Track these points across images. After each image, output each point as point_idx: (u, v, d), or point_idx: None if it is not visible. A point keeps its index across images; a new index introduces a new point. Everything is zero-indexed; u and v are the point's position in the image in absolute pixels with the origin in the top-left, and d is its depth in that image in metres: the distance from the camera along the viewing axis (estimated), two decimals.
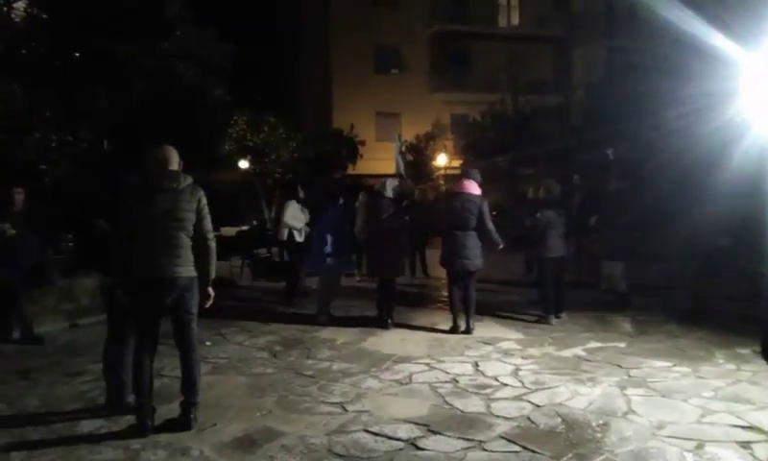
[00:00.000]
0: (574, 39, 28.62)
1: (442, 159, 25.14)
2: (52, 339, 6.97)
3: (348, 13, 26.84)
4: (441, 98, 27.65)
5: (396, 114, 27.17)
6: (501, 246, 7.15)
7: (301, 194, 9.26)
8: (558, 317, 7.47)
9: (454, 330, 6.90)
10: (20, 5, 8.99)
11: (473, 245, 6.92)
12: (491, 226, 6.99)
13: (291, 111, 26.50)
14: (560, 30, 28.89)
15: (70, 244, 8.58)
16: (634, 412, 4.38)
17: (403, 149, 23.79)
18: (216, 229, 13.67)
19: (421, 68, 28.23)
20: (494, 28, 29.13)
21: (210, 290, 4.27)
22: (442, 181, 26.11)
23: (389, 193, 7.41)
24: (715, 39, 8.06)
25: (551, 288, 7.47)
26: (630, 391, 4.82)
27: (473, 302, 7.00)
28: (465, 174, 7.39)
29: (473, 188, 7.03)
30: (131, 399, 4.26)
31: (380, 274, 7.45)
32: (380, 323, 7.26)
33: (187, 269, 4.12)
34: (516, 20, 29.90)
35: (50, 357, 6.20)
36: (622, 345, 6.32)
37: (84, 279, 7.63)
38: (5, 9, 8.74)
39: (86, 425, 4.30)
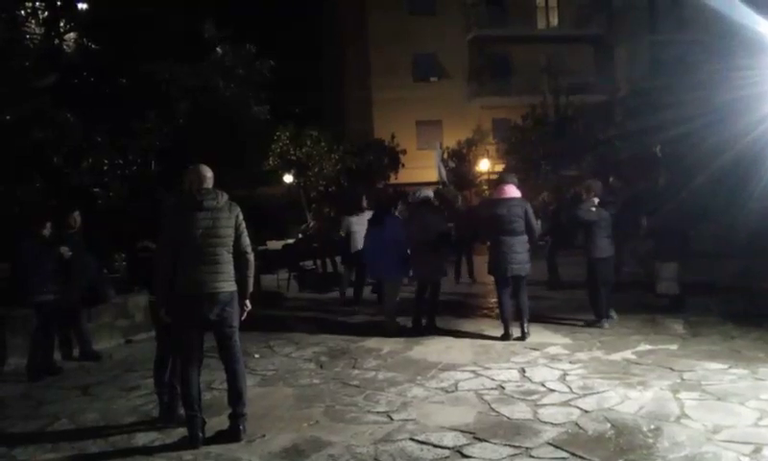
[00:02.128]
0: (615, 37, 28.03)
1: (484, 165, 24.98)
2: (109, 355, 7.26)
3: (385, 24, 26.99)
4: (481, 103, 27.48)
5: (437, 122, 27.15)
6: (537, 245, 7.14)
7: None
8: (609, 317, 7.28)
9: (506, 338, 6.80)
10: (71, 36, 9.43)
11: (522, 249, 6.86)
12: (535, 226, 6.99)
13: (332, 124, 26.84)
14: (600, 28, 28.35)
15: (124, 263, 8.90)
16: (687, 416, 4.26)
17: (445, 156, 23.84)
18: (262, 243, 13.93)
19: (461, 75, 28.13)
20: (533, 30, 28.81)
21: (247, 303, 4.37)
22: (485, 187, 25.96)
23: (415, 198, 7.47)
24: (762, 26, 7.82)
25: (600, 289, 7.30)
26: (683, 394, 4.69)
27: (527, 307, 6.92)
28: (504, 179, 7.35)
29: (514, 192, 7.00)
30: (182, 411, 4.39)
31: (423, 279, 7.43)
32: (415, 329, 7.25)
33: (228, 284, 4.24)
34: (554, 21, 29.52)
35: (108, 373, 6.46)
36: (674, 347, 6.14)
37: (137, 297, 7.90)
38: (56, 41, 9.18)
39: (142, 438, 4.46)
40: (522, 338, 6.74)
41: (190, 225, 4.15)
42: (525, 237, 6.90)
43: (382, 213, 8.01)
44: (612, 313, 7.40)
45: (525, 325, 6.83)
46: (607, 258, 7.32)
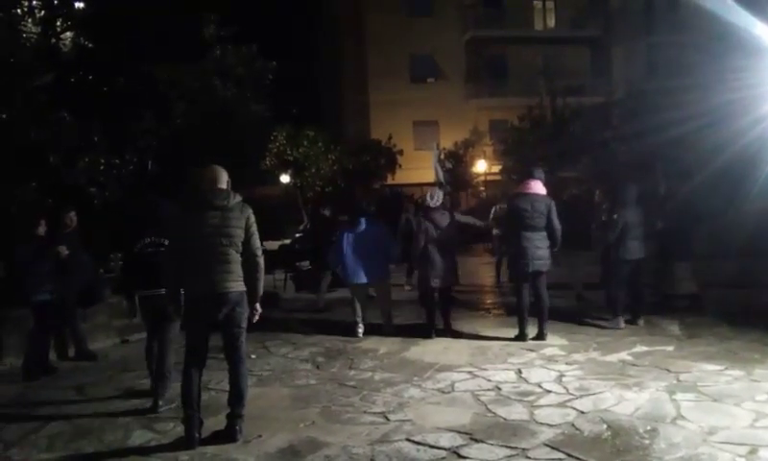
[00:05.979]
0: (612, 38, 28.12)
1: (481, 166, 25.01)
2: (104, 355, 7.24)
3: (383, 24, 27.03)
4: (478, 104, 27.54)
5: (434, 123, 27.19)
6: (556, 249, 7.00)
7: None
8: (635, 324, 7.18)
9: (521, 338, 6.71)
10: (68, 35, 9.41)
11: (544, 245, 6.74)
12: (558, 225, 6.78)
13: (329, 124, 26.83)
14: (597, 30, 28.45)
15: (120, 262, 8.88)
16: (683, 417, 4.26)
17: (442, 157, 23.82)
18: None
19: (458, 75, 28.18)
20: (530, 31, 28.90)
21: (258, 306, 4.33)
22: (482, 188, 25.98)
23: (435, 203, 7.34)
24: (758, 29, 7.84)
25: (623, 290, 7.21)
26: (679, 396, 4.70)
27: (547, 305, 6.80)
28: (530, 174, 7.13)
29: (540, 188, 6.85)
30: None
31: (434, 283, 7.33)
32: (425, 332, 7.20)
33: (237, 284, 4.20)
34: (551, 22, 29.60)
35: (103, 373, 6.44)
36: (670, 348, 6.16)
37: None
38: (53, 40, 9.16)
39: (137, 438, 4.45)
40: (541, 338, 6.67)
41: (199, 223, 4.13)
42: (545, 233, 6.75)
43: (360, 216, 7.92)
44: (641, 321, 7.26)
45: (544, 324, 6.74)
46: (635, 260, 7.21)
